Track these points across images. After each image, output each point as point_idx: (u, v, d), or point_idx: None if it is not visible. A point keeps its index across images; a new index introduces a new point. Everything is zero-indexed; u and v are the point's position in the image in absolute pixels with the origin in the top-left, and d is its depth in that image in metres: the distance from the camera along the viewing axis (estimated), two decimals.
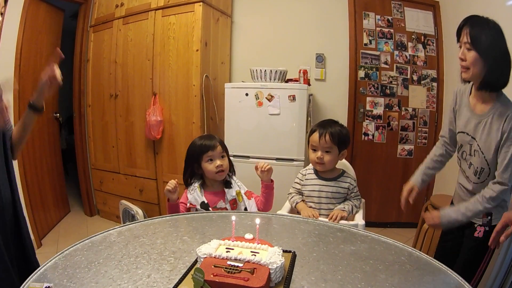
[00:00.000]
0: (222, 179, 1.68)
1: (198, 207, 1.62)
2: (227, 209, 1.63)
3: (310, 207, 1.76)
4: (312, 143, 1.74)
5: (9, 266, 1.14)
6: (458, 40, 1.29)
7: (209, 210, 1.61)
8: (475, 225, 1.37)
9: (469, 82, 1.37)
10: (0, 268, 1.11)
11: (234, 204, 1.66)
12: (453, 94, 1.48)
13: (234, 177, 1.75)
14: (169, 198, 1.59)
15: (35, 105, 1.30)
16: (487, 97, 1.30)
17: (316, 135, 1.72)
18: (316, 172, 1.80)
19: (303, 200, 1.81)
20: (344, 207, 1.70)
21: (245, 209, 1.66)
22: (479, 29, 1.21)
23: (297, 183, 1.85)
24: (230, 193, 1.66)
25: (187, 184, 1.71)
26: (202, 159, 1.65)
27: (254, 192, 1.75)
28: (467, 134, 1.37)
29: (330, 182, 1.76)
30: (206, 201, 1.62)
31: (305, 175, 1.83)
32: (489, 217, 1.33)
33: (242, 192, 1.69)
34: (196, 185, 1.67)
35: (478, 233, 1.35)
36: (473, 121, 1.34)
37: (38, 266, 0.99)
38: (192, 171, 1.70)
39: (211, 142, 1.65)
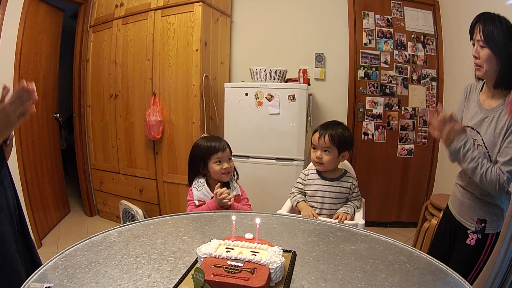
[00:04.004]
0: (227, 180, 1.70)
1: None
2: (230, 208, 1.64)
3: (312, 206, 1.77)
4: (313, 142, 1.78)
5: (19, 268, 1.13)
6: (471, 38, 1.27)
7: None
8: (468, 232, 1.34)
9: (482, 80, 1.35)
10: (12, 270, 1.10)
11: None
12: (464, 89, 1.46)
13: (233, 179, 1.77)
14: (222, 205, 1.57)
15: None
16: (497, 94, 1.28)
17: (316, 135, 1.76)
18: (318, 172, 1.81)
19: (304, 200, 1.81)
20: (347, 210, 1.71)
21: None
22: (492, 27, 1.20)
23: (300, 183, 1.86)
24: (236, 190, 1.70)
25: (191, 183, 1.72)
26: (210, 160, 1.66)
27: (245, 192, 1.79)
28: (472, 128, 1.34)
29: (333, 182, 1.77)
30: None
31: (308, 175, 1.84)
32: (483, 224, 1.30)
33: (235, 193, 1.71)
34: (202, 181, 1.68)
35: (470, 240, 1.32)
36: (480, 115, 1.32)
37: (41, 264, 0.99)
38: (196, 170, 1.71)
39: (221, 144, 1.68)
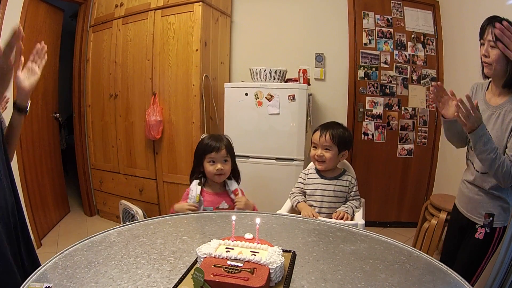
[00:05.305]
0: (220, 181, 1.68)
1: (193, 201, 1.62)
2: (230, 209, 1.63)
3: (311, 205, 1.78)
4: (313, 141, 1.81)
5: (15, 270, 1.13)
6: (481, 38, 1.32)
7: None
8: (476, 226, 1.37)
9: (489, 78, 1.39)
10: (6, 271, 1.10)
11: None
12: (470, 89, 1.49)
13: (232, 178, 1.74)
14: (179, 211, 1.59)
15: (18, 105, 1.24)
16: (504, 92, 1.33)
17: (317, 134, 1.79)
18: (318, 171, 1.83)
19: (304, 200, 1.82)
20: (347, 210, 1.72)
21: None
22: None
23: (300, 182, 1.87)
24: (233, 185, 1.68)
25: (191, 180, 1.72)
26: (204, 159, 1.65)
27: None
28: None
29: (332, 181, 1.79)
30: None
31: (308, 174, 1.87)
32: (491, 218, 1.32)
33: (239, 190, 1.71)
34: (196, 183, 1.67)
35: (478, 234, 1.35)
36: (487, 113, 1.36)
37: (40, 265, 0.99)
38: (195, 168, 1.71)
39: (217, 144, 1.64)
